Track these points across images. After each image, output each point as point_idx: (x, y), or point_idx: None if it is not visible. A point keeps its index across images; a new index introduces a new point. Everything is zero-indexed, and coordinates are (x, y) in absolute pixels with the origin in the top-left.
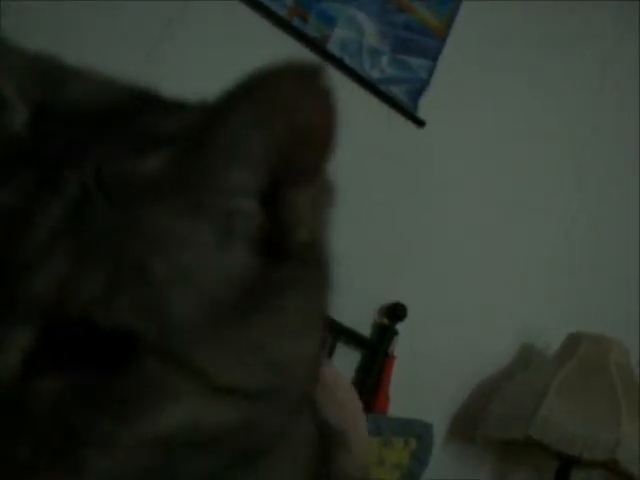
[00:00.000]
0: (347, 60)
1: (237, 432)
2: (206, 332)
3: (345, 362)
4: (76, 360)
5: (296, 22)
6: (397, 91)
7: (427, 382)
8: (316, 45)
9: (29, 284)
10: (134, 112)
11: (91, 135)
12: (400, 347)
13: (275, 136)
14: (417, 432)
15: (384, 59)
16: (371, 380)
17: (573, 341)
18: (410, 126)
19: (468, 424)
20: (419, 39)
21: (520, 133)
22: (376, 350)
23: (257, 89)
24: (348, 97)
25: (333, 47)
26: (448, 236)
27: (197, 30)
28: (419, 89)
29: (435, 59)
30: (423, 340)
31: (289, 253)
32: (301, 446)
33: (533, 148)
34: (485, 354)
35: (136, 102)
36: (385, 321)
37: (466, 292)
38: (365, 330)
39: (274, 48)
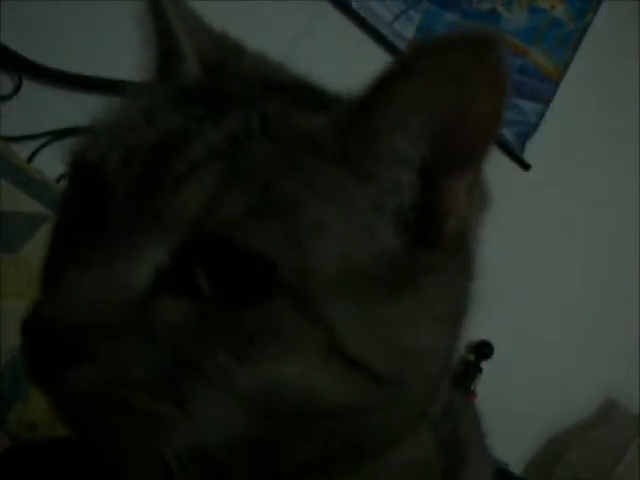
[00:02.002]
0: None
1: (349, 415)
2: (342, 293)
3: None
4: (206, 285)
5: None
6: (506, 133)
7: (505, 422)
8: None
9: (176, 196)
10: (297, 86)
11: (257, 93)
12: (483, 385)
13: (443, 108)
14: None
15: None
16: None
17: None
18: (515, 168)
19: (543, 470)
20: (532, 83)
21: (628, 186)
22: (459, 384)
23: (429, 60)
24: None
25: None
26: (543, 281)
27: (318, 55)
28: (528, 132)
29: (547, 103)
30: (506, 380)
31: (438, 239)
32: (414, 459)
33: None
34: (566, 402)
35: (300, 81)
36: (471, 357)
37: (553, 339)
38: None
39: None
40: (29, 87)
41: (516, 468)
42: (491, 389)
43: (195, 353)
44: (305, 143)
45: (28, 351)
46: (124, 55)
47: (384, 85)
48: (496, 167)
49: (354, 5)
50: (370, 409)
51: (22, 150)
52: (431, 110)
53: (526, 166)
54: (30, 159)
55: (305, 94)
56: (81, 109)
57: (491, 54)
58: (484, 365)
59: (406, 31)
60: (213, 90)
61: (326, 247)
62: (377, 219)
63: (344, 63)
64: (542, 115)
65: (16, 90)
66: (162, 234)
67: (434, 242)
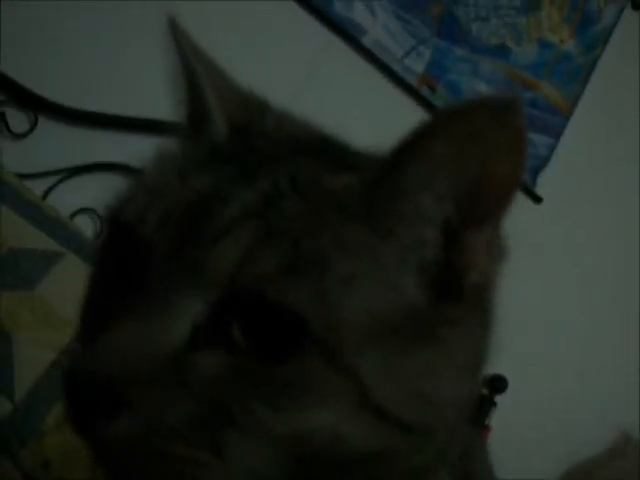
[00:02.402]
0: None
1: (376, 459)
2: (369, 345)
3: None
4: (241, 339)
5: (424, 91)
6: None
7: (519, 456)
8: None
9: (213, 253)
10: (323, 145)
11: (284, 152)
12: (497, 419)
13: (466, 169)
14: None
15: None
16: None
17: None
18: (527, 201)
19: None
20: (543, 117)
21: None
22: (473, 419)
23: (454, 121)
24: None
25: None
26: (556, 314)
27: (328, 89)
28: (539, 166)
29: (557, 137)
30: (520, 415)
31: (460, 293)
32: None
33: None
34: (581, 436)
35: (326, 140)
36: (485, 392)
37: (568, 372)
38: None
39: (400, 114)
40: (44, 125)
41: None
42: (505, 423)
43: (230, 403)
44: (332, 202)
45: (68, 401)
46: (139, 93)
47: (411, 145)
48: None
49: (364, 40)
50: (396, 455)
51: (37, 187)
52: (455, 170)
53: (538, 199)
54: (45, 196)
55: (331, 152)
56: (95, 147)
57: (511, 118)
58: (498, 399)
59: (416, 66)
60: (241, 150)
61: (354, 302)
62: (401, 274)
63: (354, 98)
64: (553, 148)
65: (32, 128)
66: (199, 289)
67: (456, 296)
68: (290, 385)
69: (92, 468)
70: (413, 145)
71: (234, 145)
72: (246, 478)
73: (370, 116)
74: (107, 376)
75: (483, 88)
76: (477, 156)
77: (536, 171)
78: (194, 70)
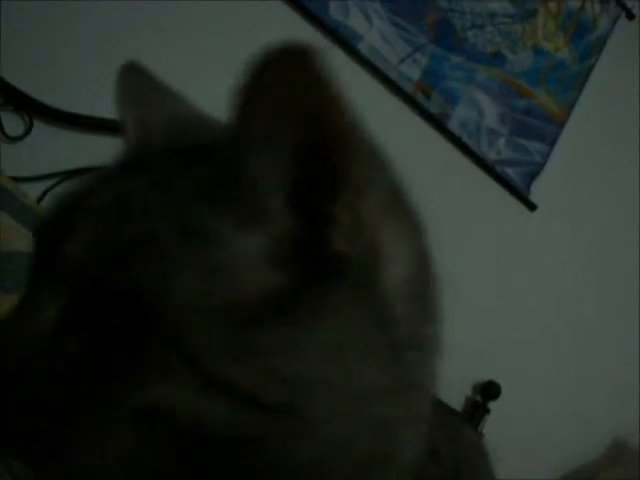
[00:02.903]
0: (465, 139)
1: (249, 447)
2: (217, 325)
3: None
4: (93, 327)
5: (419, 97)
6: (512, 173)
7: (513, 463)
8: (437, 122)
9: (67, 246)
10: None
11: (152, 157)
12: (490, 426)
13: (288, 129)
14: None
15: (501, 141)
16: None
17: None
18: (522, 209)
19: None
20: (538, 124)
21: (635, 225)
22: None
23: (253, 85)
24: (463, 176)
25: (453, 125)
26: (551, 321)
27: None
28: (534, 173)
29: (552, 144)
30: (513, 422)
31: (323, 267)
32: None
33: None
34: (575, 443)
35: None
36: (478, 398)
37: (561, 378)
38: (458, 405)
39: (396, 120)
40: (39, 129)
41: None
42: (499, 430)
43: (87, 388)
44: (183, 189)
45: None
46: None
47: (231, 122)
48: (502, 207)
49: (360, 47)
50: (269, 442)
51: (32, 190)
52: (275, 132)
53: (532, 206)
54: (40, 200)
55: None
56: (91, 150)
57: (306, 58)
58: (491, 405)
59: (412, 73)
60: (120, 160)
61: (194, 284)
62: (248, 253)
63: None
64: (547, 156)
65: (27, 132)
66: (59, 281)
67: (321, 271)
68: (136, 366)
69: None
70: (233, 122)
71: (121, 157)
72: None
73: (365, 122)
74: None
75: (478, 95)
76: (289, 110)
77: (531, 178)
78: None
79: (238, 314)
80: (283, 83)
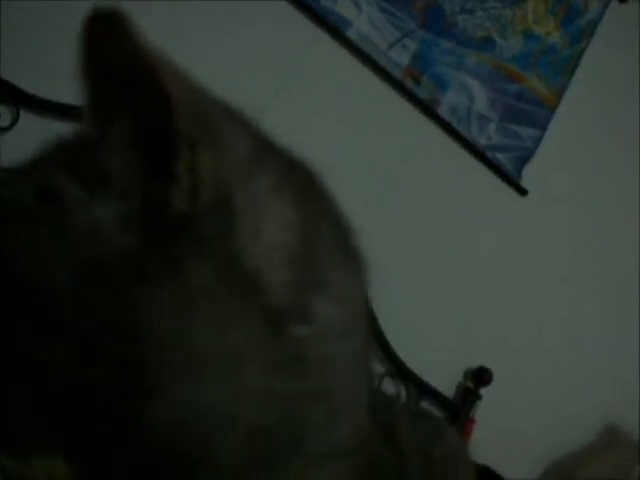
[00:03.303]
0: (455, 124)
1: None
2: (70, 283)
3: None
4: None
5: (408, 83)
6: (502, 159)
7: (506, 448)
8: (426, 107)
9: None
10: None
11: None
12: (482, 412)
13: (116, 86)
14: None
15: (492, 126)
16: None
17: None
18: (512, 194)
19: None
20: (529, 109)
21: (628, 209)
22: (458, 412)
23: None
24: (454, 162)
25: (443, 111)
26: (542, 306)
27: (317, 79)
28: (524, 158)
29: (543, 129)
30: (505, 407)
31: (168, 228)
32: None
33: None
34: (567, 428)
35: None
36: (470, 384)
37: (553, 364)
38: (449, 391)
39: (385, 106)
40: (26, 119)
41: None
42: (491, 416)
43: None
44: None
45: None
46: None
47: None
48: (493, 193)
49: (349, 33)
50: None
51: None
52: (110, 90)
53: (523, 192)
54: None
55: None
56: None
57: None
58: (483, 392)
59: (401, 59)
60: None
61: (52, 246)
62: (100, 215)
63: (339, 90)
64: (539, 140)
65: (14, 122)
66: None
67: (168, 234)
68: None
69: None
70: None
71: None
72: None
73: (354, 108)
74: None
75: (468, 80)
76: (113, 72)
77: (522, 163)
78: None
79: (100, 274)
80: (96, 45)
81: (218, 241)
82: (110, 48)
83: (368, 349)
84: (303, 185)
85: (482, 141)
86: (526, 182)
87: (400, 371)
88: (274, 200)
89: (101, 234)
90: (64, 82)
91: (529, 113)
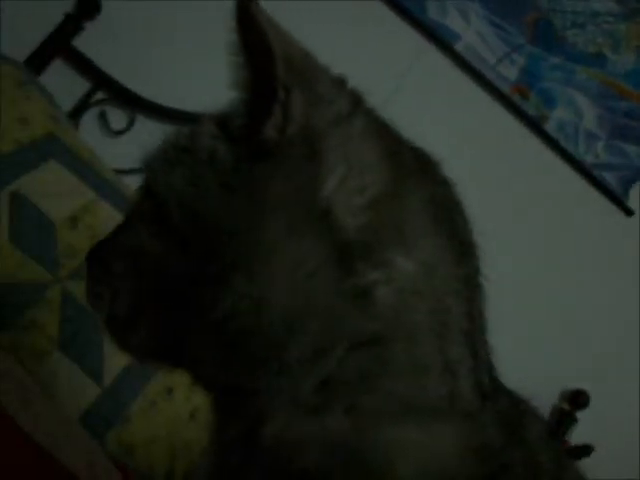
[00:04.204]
0: (562, 142)
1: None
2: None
3: None
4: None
5: (516, 99)
6: (610, 177)
7: (601, 474)
8: (534, 124)
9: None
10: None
11: None
12: (578, 435)
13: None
14: None
15: (600, 144)
16: None
17: None
18: (618, 214)
19: None
20: (638, 127)
21: None
22: (553, 434)
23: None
24: (559, 179)
25: (551, 128)
26: None
27: (420, 95)
28: (632, 177)
29: None
30: (602, 432)
31: (258, 148)
32: None
33: None
34: None
35: None
36: (566, 406)
37: None
38: (544, 412)
39: (492, 122)
40: (141, 123)
41: None
42: (587, 440)
43: None
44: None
45: None
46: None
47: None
48: (598, 212)
49: (457, 46)
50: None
51: (134, 182)
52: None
53: (629, 212)
54: None
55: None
56: None
57: (245, 10)
58: (579, 415)
59: (509, 74)
60: None
61: (177, 180)
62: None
63: (445, 104)
64: None
65: (129, 126)
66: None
67: (257, 153)
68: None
69: None
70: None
71: None
72: None
73: (460, 122)
74: None
75: (577, 97)
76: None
77: (629, 183)
78: None
79: (203, 189)
80: (239, 25)
81: (299, 170)
82: (247, 27)
83: (475, 330)
84: (398, 149)
85: (589, 159)
86: (633, 202)
87: None
88: (361, 146)
89: (217, 159)
90: (180, 89)
91: (638, 131)
